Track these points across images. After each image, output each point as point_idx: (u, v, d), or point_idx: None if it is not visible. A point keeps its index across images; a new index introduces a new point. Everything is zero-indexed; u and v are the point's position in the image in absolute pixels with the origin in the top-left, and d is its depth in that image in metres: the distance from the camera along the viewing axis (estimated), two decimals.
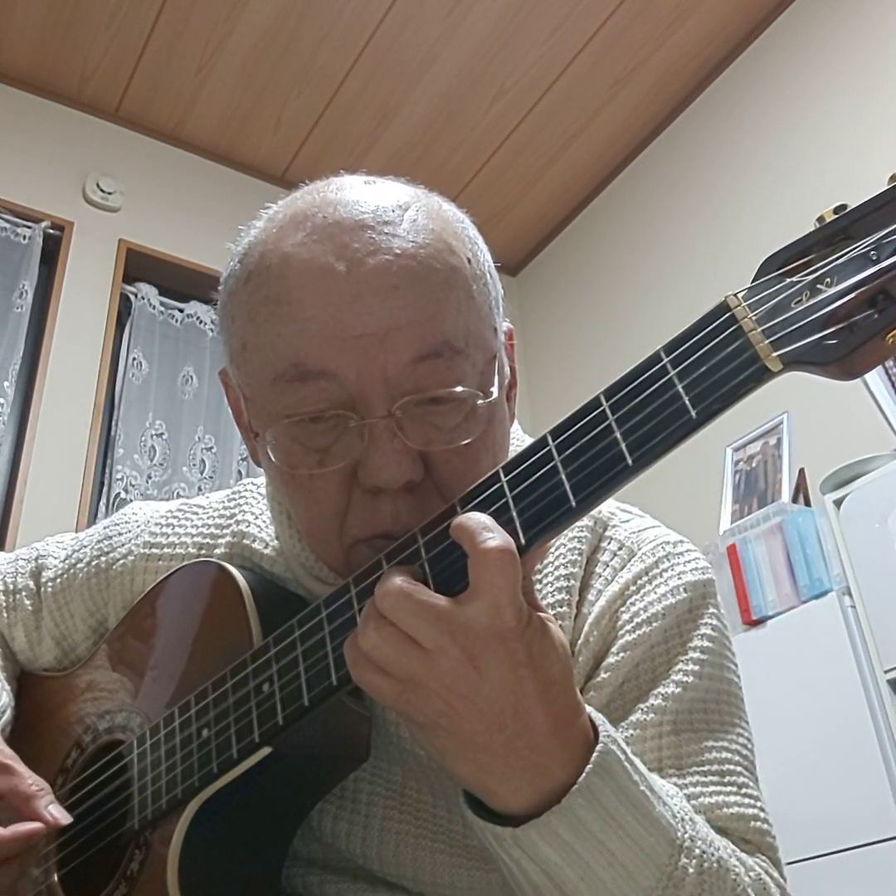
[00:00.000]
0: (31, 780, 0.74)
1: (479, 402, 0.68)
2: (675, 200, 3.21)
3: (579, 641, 0.74)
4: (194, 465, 2.94)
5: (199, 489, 2.89)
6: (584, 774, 0.56)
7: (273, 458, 0.69)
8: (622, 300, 3.30)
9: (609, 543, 0.78)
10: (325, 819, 0.74)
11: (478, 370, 0.69)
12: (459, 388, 0.67)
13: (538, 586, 0.74)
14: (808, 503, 2.35)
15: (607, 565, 0.77)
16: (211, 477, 2.95)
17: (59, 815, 0.74)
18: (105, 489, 2.78)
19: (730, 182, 3.01)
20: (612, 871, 0.57)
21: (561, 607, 0.74)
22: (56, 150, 3.08)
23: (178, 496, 2.84)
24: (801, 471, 2.40)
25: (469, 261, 0.71)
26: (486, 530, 0.55)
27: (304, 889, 0.73)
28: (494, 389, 0.69)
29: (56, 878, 0.77)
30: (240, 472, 2.99)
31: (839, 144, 2.68)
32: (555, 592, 0.75)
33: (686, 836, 0.59)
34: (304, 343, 0.66)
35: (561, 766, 0.56)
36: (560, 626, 0.73)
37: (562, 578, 0.75)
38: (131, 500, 2.75)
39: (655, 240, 3.24)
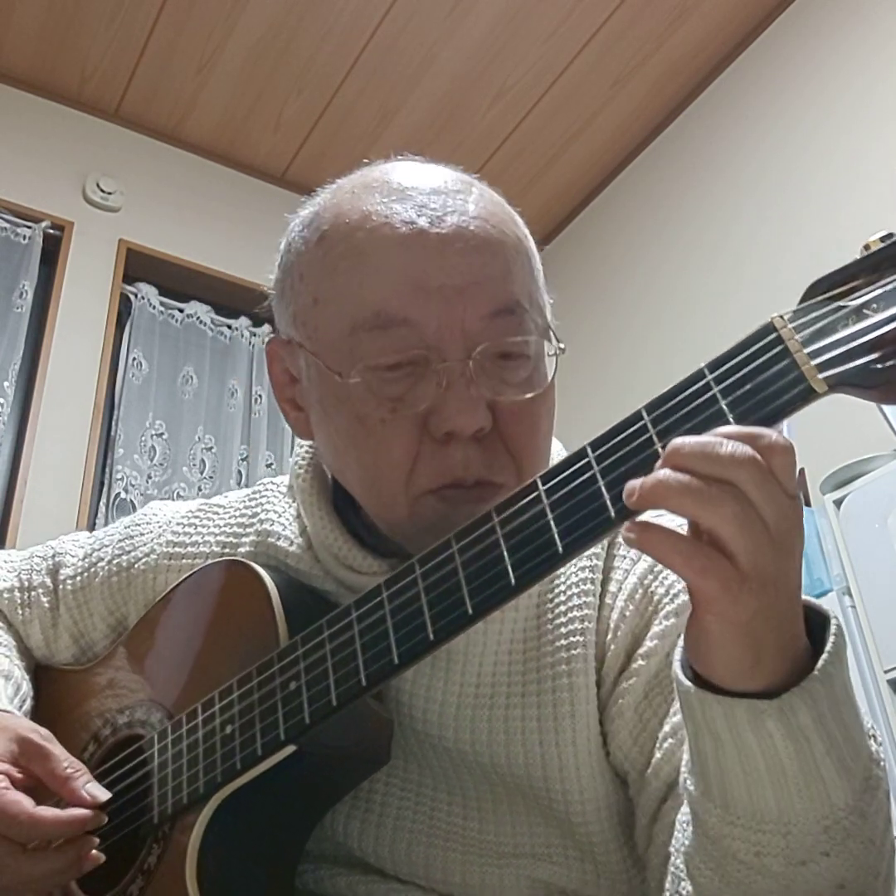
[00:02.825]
0: (66, 763, 0.74)
1: (548, 354, 0.73)
2: (675, 201, 3.21)
3: (614, 617, 0.75)
4: (194, 465, 2.94)
5: (199, 489, 2.89)
6: (830, 642, 0.54)
7: (347, 407, 0.70)
8: (621, 301, 3.30)
9: None
10: (338, 816, 0.74)
11: (539, 331, 0.73)
12: (530, 340, 0.72)
13: (562, 568, 0.75)
14: (808, 503, 2.35)
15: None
16: (211, 477, 2.95)
17: (98, 792, 0.73)
18: (105, 489, 2.78)
19: (730, 182, 3.01)
20: (846, 745, 0.54)
21: (585, 585, 0.76)
22: (56, 150, 3.08)
23: (179, 496, 2.84)
24: (802, 471, 2.41)
25: (527, 237, 0.77)
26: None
27: (314, 884, 0.74)
28: (561, 346, 0.75)
29: (83, 871, 0.76)
30: (240, 471, 2.98)
31: (839, 144, 2.67)
32: (579, 572, 0.77)
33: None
34: (386, 291, 0.69)
35: (803, 635, 0.55)
36: (585, 602, 0.75)
37: (584, 557, 0.77)
38: (131, 500, 2.75)
39: (655, 240, 3.24)
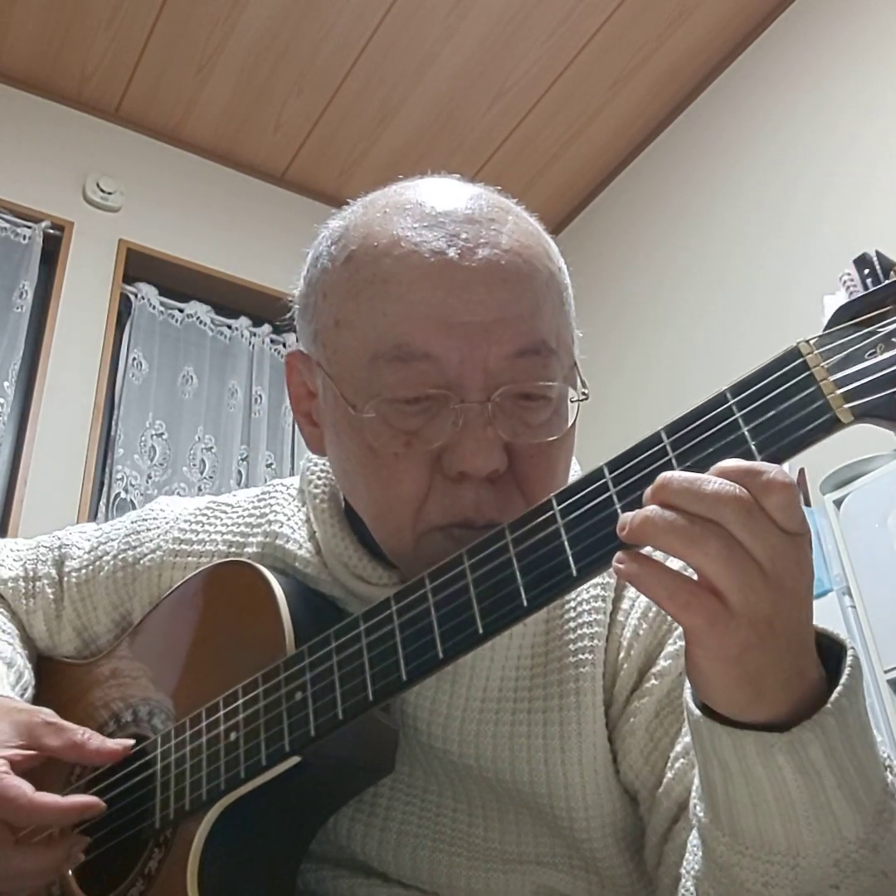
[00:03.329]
0: (81, 731, 0.74)
1: (572, 401, 0.71)
2: (675, 201, 3.21)
3: (627, 635, 0.74)
4: (194, 465, 2.94)
5: (199, 489, 2.89)
6: (845, 673, 0.53)
7: (359, 437, 0.69)
8: (622, 302, 3.30)
9: None
10: (342, 820, 0.74)
11: (563, 374, 0.71)
12: (553, 384, 0.69)
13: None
14: (808, 503, 2.35)
15: None
16: (211, 477, 2.95)
17: (123, 743, 0.74)
18: (105, 489, 2.78)
19: (730, 184, 3.01)
20: (859, 778, 0.53)
21: (596, 602, 0.75)
22: (56, 150, 3.08)
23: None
24: (801, 471, 2.40)
25: (560, 270, 0.75)
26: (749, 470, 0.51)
27: (316, 884, 0.74)
28: (585, 391, 0.72)
29: (69, 870, 0.76)
30: (240, 471, 2.98)
31: (839, 144, 2.67)
32: (590, 588, 0.76)
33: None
34: (410, 324, 0.67)
35: (815, 668, 0.54)
36: (595, 619, 0.74)
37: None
38: (131, 500, 2.75)
39: (656, 241, 3.24)
